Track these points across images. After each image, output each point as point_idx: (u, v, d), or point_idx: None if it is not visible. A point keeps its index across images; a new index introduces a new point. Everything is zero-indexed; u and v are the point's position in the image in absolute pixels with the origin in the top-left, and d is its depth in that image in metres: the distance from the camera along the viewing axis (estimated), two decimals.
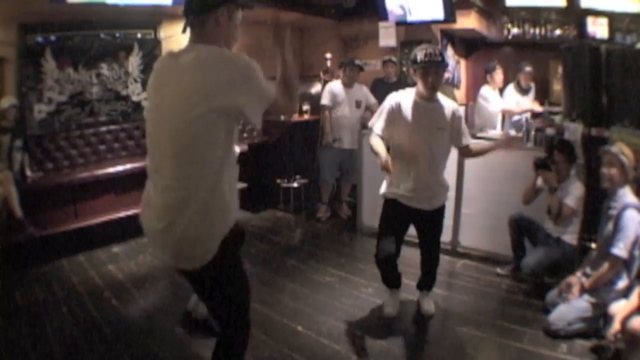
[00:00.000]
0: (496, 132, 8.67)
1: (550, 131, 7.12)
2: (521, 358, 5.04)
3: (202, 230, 3.15)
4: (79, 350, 5.36)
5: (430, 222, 5.76)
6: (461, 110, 5.70)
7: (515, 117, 9.29)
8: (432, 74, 5.11)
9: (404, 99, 5.37)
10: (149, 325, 5.92)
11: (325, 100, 9.33)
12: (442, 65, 5.16)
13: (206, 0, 3.10)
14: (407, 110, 5.28)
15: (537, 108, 9.00)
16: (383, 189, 5.69)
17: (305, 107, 10.83)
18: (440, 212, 5.78)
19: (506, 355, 5.12)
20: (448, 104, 5.40)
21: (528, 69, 9.27)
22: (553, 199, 6.17)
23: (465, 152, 5.80)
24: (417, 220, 5.72)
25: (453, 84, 10.30)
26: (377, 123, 5.50)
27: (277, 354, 5.02)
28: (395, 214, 5.57)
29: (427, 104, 5.28)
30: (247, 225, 9.60)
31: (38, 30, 8.66)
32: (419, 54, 5.10)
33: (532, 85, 9.54)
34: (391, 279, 5.98)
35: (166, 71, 3.17)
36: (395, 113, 5.37)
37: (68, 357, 5.22)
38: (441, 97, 5.42)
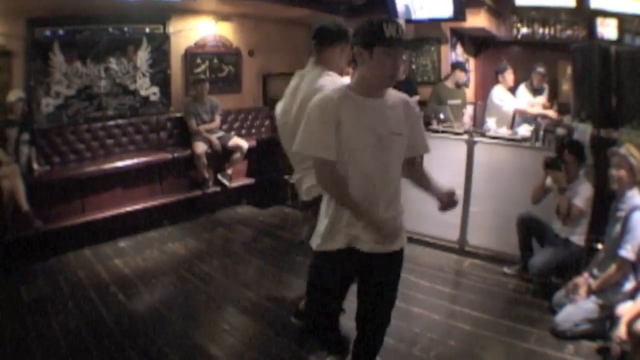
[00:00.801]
0: (506, 131, 8.63)
1: (560, 131, 7.10)
2: (527, 358, 5.03)
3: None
4: (84, 344, 5.37)
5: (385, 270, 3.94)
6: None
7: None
8: (400, 58, 3.48)
9: (340, 99, 3.51)
10: (155, 320, 5.92)
11: None
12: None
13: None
14: (349, 114, 3.44)
15: (552, 114, 8.95)
16: (320, 239, 3.79)
17: None
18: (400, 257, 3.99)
19: (512, 355, 5.11)
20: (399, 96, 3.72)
21: (541, 69, 9.24)
22: (562, 199, 6.16)
23: (413, 168, 4.12)
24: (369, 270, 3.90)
25: (466, 84, 10.27)
26: (322, 144, 3.48)
27: (286, 351, 5.02)
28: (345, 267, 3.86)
29: (374, 102, 3.53)
30: (255, 220, 9.62)
31: (46, 24, 8.67)
32: (389, 28, 3.38)
33: (546, 86, 9.51)
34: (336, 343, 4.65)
35: None
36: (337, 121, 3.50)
37: (73, 351, 5.22)
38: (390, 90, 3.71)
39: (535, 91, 9.32)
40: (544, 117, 8.76)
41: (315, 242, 3.81)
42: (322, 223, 3.78)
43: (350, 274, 3.95)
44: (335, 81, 4.80)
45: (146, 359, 5.10)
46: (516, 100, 9.32)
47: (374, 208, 3.58)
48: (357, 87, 3.55)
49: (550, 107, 9.11)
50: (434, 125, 8.31)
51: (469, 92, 10.67)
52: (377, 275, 3.88)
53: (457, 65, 9.88)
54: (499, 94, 9.34)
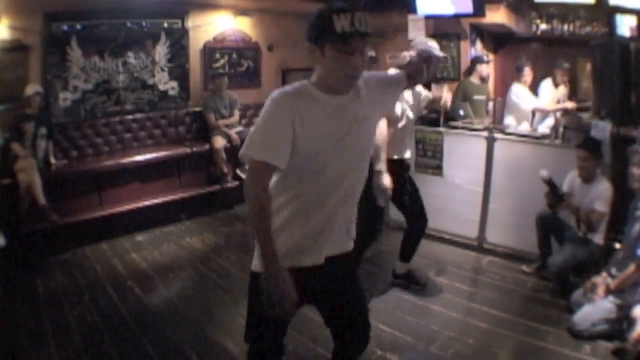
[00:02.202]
0: (526, 128, 8.60)
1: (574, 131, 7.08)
2: (544, 358, 5.00)
3: None
4: (100, 338, 5.39)
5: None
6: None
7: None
8: (360, 54, 2.98)
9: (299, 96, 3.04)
10: (172, 315, 5.93)
11: None
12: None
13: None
14: (307, 114, 2.98)
15: (571, 105, 8.92)
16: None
17: None
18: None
19: (529, 355, 5.07)
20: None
21: (566, 64, 9.20)
22: (581, 217, 6.12)
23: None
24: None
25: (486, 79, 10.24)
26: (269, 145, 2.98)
27: (301, 346, 5.00)
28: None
29: (338, 99, 3.08)
30: None
31: (64, 18, 8.73)
32: (341, 20, 2.83)
33: (566, 81, 9.46)
34: None
35: None
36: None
37: (89, 345, 5.24)
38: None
39: (558, 86, 9.27)
40: (564, 111, 8.74)
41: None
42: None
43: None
44: None
45: (162, 353, 5.11)
46: (534, 98, 9.30)
47: (331, 213, 3.12)
48: (318, 84, 3.05)
49: (574, 109, 9.09)
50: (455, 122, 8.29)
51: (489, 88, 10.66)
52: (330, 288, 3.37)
53: (477, 60, 9.86)
54: (517, 91, 9.35)
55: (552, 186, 6.19)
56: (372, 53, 8.98)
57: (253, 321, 3.43)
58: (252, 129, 3.02)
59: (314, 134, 2.93)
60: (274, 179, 3.04)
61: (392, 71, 3.99)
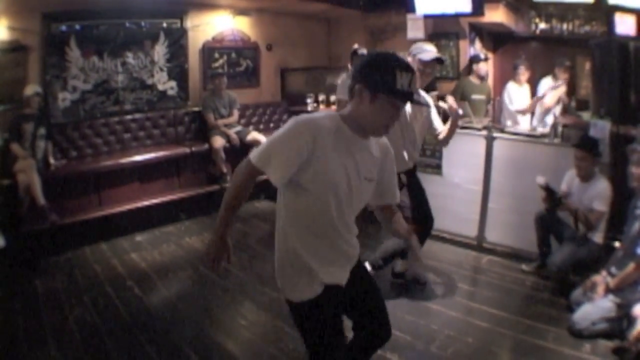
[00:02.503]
0: (525, 128, 8.61)
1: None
2: (544, 357, 5.00)
3: None
4: (99, 338, 5.39)
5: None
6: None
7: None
8: (402, 112, 3.43)
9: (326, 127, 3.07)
10: (172, 315, 5.93)
11: (341, 95, 9.08)
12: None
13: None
14: (329, 146, 3.03)
15: (561, 92, 8.98)
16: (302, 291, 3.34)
17: (333, 98, 10.80)
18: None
19: (529, 353, 5.07)
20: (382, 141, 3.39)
21: (567, 63, 9.21)
22: (579, 217, 6.12)
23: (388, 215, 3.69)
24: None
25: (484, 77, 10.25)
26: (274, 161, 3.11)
27: (302, 346, 4.98)
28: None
29: (361, 142, 3.18)
30: (273, 215, 9.63)
31: (62, 19, 8.72)
32: (403, 78, 2.91)
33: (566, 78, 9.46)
34: None
35: None
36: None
37: (89, 345, 5.24)
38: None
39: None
40: (563, 110, 8.77)
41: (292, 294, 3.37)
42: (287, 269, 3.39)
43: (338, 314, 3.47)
44: None
45: (162, 353, 5.11)
46: (521, 99, 9.43)
47: (325, 245, 3.25)
48: (349, 120, 3.11)
49: (568, 102, 9.10)
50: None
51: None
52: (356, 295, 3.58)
53: (474, 59, 9.93)
54: (508, 91, 9.50)
55: (549, 191, 6.20)
56: (363, 50, 8.96)
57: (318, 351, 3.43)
58: (269, 138, 3.14)
59: (328, 163, 3.02)
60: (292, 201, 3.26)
61: None
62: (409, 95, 2.95)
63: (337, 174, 3.04)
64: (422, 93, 5.65)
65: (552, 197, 6.19)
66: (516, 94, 9.31)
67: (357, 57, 8.89)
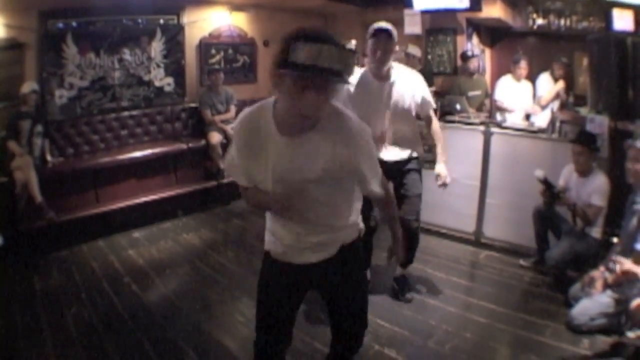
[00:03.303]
0: (520, 122, 8.62)
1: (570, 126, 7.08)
2: (542, 352, 5.00)
3: None
4: (97, 335, 5.39)
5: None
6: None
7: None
8: (323, 93, 2.70)
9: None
10: (169, 312, 5.93)
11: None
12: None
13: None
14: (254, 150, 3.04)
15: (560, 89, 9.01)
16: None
17: None
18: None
19: (527, 349, 5.06)
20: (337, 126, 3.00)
21: (564, 59, 9.22)
22: (577, 212, 6.11)
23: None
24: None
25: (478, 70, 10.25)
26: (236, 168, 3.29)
27: (299, 342, 4.98)
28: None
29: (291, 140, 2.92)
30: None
31: (59, 15, 8.70)
32: (305, 49, 2.48)
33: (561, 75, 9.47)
34: None
35: None
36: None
37: (86, 342, 5.24)
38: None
39: (557, 80, 9.26)
40: (561, 105, 8.78)
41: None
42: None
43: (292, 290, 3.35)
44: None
45: (159, 349, 5.11)
46: (513, 94, 9.41)
47: (279, 223, 3.14)
48: (276, 114, 2.91)
49: (567, 98, 9.11)
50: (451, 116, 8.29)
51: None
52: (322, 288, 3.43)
53: (463, 56, 10.14)
54: (500, 85, 9.52)
55: (547, 185, 6.18)
56: (350, 45, 8.94)
57: (261, 311, 3.38)
58: None
59: (260, 169, 2.97)
60: None
61: None
62: (310, 68, 2.49)
63: (263, 169, 2.94)
64: (402, 72, 5.51)
65: (550, 191, 6.18)
66: (511, 90, 9.31)
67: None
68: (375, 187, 3.10)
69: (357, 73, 5.35)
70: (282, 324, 3.36)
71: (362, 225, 3.32)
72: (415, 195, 5.72)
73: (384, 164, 5.19)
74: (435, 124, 5.78)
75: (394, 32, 5.19)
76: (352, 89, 5.25)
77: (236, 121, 3.07)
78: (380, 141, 5.44)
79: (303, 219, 3.03)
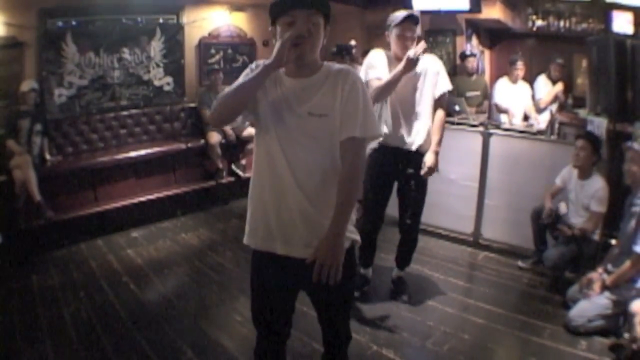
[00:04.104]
0: (519, 123, 8.64)
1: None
2: (540, 353, 4.99)
3: None
4: (95, 334, 5.38)
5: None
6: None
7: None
8: (303, 22, 2.91)
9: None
10: (168, 311, 5.93)
11: None
12: None
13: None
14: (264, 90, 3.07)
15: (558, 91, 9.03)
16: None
17: None
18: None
19: (525, 350, 5.07)
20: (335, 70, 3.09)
21: (560, 60, 9.23)
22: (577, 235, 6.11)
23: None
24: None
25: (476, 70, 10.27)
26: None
27: (297, 342, 4.98)
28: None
29: (296, 82, 3.07)
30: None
31: (58, 14, 8.70)
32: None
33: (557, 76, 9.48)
34: None
35: None
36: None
37: (84, 342, 5.23)
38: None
39: (554, 82, 9.27)
40: (560, 107, 8.79)
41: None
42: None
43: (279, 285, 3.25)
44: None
45: (158, 348, 5.10)
46: (513, 99, 9.39)
47: (278, 196, 2.99)
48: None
49: (565, 100, 9.13)
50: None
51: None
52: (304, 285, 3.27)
53: (461, 55, 10.27)
54: (498, 90, 9.54)
55: (555, 218, 6.23)
56: (352, 42, 8.96)
57: (255, 305, 3.37)
58: None
59: (265, 107, 2.97)
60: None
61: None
62: (290, 3, 2.80)
63: (269, 110, 2.96)
64: (427, 59, 5.45)
65: (554, 223, 6.22)
66: (508, 92, 9.32)
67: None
68: (356, 131, 2.90)
69: (381, 56, 5.36)
70: (276, 317, 3.37)
71: (356, 237, 3.23)
72: (419, 199, 5.66)
73: (404, 152, 5.19)
74: (443, 114, 5.63)
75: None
76: (377, 73, 5.21)
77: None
78: (407, 127, 5.43)
79: (296, 150, 2.93)
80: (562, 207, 6.28)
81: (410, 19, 5.17)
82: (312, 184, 2.94)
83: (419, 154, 5.44)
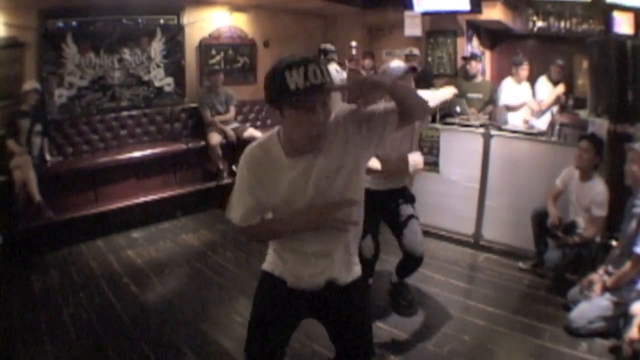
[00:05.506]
0: (522, 125, 8.64)
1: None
2: (541, 355, 4.99)
3: None
4: (95, 335, 5.39)
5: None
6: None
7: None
8: (321, 106, 2.72)
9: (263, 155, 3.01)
10: (167, 312, 5.93)
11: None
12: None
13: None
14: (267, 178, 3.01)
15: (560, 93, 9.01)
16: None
17: None
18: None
19: (526, 352, 5.06)
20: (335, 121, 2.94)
21: (560, 62, 9.21)
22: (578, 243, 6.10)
23: None
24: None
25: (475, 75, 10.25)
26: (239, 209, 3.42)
27: (297, 344, 4.97)
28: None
29: (302, 161, 2.94)
30: None
31: (59, 15, 8.69)
32: (294, 76, 2.58)
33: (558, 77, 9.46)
34: None
35: None
36: None
37: (84, 342, 5.23)
38: None
39: (555, 83, 9.26)
40: (560, 108, 8.79)
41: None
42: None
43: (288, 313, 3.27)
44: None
45: (157, 349, 5.11)
46: (514, 96, 9.36)
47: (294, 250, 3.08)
48: (284, 143, 2.89)
49: (566, 101, 9.12)
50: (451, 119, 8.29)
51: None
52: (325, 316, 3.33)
53: (464, 58, 10.18)
54: (503, 89, 9.47)
55: (560, 227, 6.22)
56: (353, 42, 8.94)
57: (253, 328, 3.29)
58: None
59: (275, 199, 2.96)
60: None
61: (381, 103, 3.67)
62: (311, 89, 2.56)
63: (282, 193, 2.90)
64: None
65: (556, 232, 6.22)
66: (514, 92, 9.28)
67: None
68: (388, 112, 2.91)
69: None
70: (274, 345, 3.27)
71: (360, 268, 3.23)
72: (413, 218, 5.51)
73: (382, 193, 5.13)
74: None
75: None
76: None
77: (242, 159, 3.00)
78: (403, 168, 5.28)
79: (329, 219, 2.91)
80: (580, 222, 6.25)
81: (412, 72, 5.15)
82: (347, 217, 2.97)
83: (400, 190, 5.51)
